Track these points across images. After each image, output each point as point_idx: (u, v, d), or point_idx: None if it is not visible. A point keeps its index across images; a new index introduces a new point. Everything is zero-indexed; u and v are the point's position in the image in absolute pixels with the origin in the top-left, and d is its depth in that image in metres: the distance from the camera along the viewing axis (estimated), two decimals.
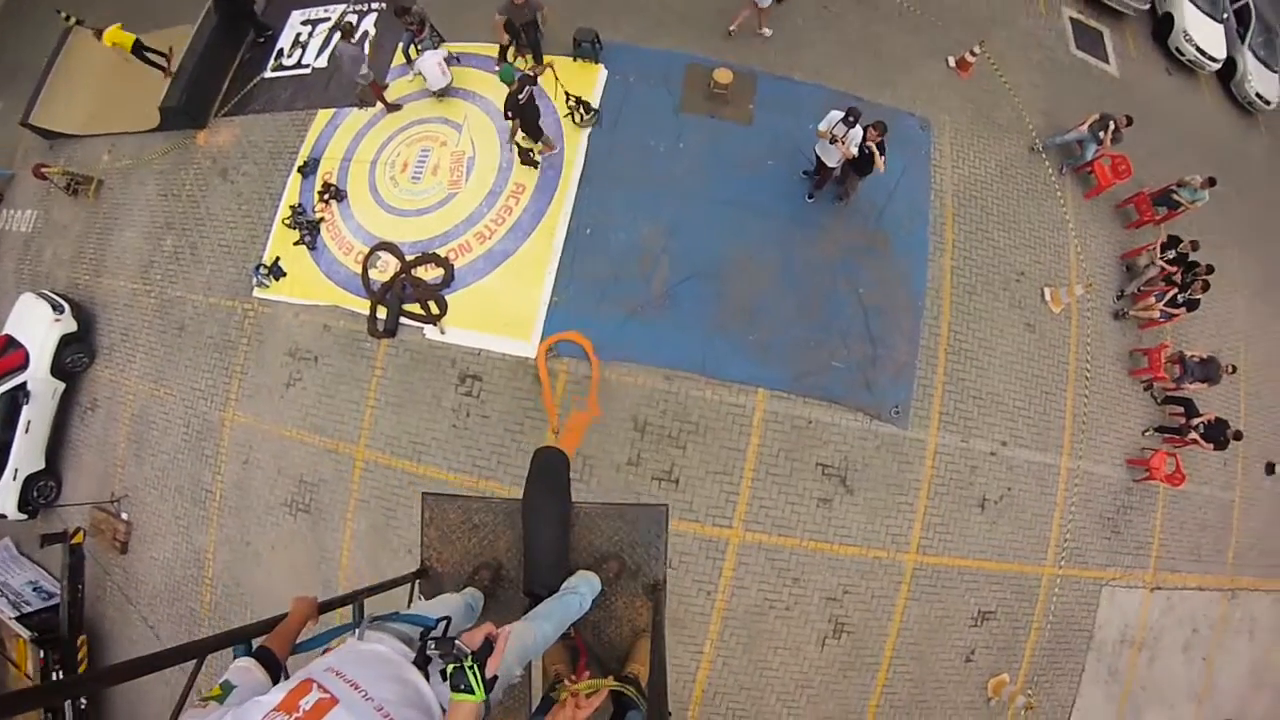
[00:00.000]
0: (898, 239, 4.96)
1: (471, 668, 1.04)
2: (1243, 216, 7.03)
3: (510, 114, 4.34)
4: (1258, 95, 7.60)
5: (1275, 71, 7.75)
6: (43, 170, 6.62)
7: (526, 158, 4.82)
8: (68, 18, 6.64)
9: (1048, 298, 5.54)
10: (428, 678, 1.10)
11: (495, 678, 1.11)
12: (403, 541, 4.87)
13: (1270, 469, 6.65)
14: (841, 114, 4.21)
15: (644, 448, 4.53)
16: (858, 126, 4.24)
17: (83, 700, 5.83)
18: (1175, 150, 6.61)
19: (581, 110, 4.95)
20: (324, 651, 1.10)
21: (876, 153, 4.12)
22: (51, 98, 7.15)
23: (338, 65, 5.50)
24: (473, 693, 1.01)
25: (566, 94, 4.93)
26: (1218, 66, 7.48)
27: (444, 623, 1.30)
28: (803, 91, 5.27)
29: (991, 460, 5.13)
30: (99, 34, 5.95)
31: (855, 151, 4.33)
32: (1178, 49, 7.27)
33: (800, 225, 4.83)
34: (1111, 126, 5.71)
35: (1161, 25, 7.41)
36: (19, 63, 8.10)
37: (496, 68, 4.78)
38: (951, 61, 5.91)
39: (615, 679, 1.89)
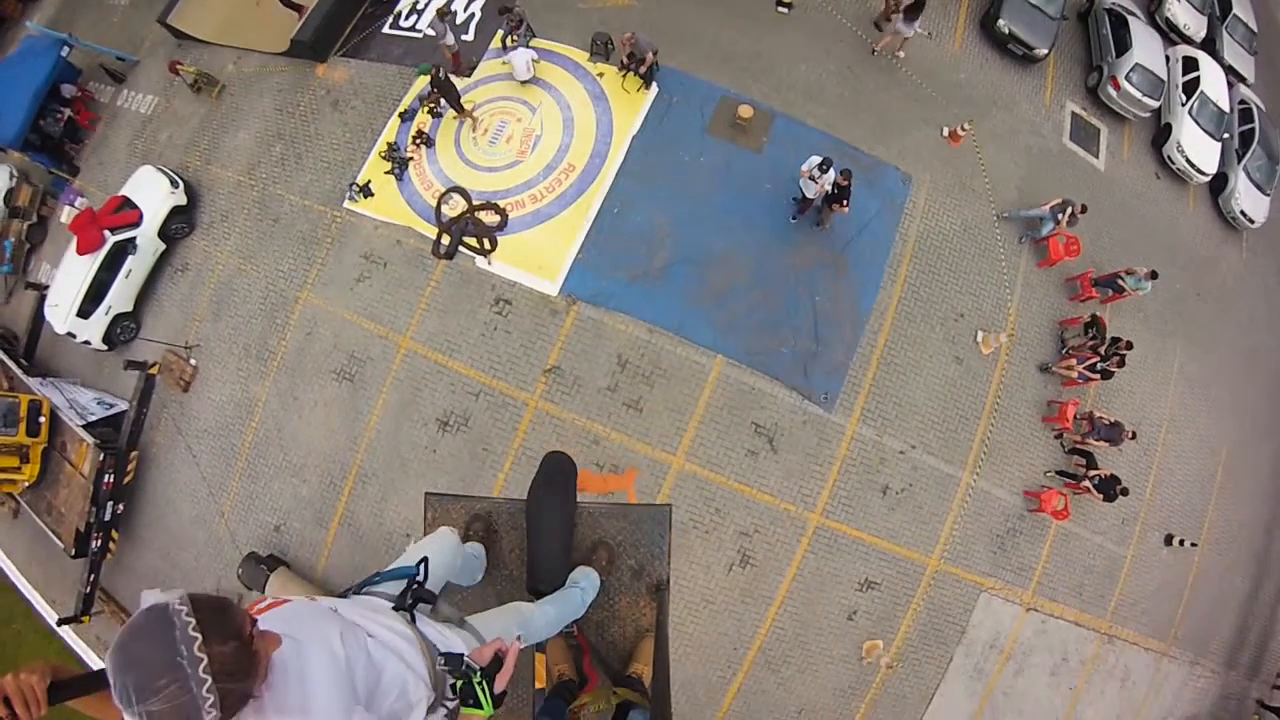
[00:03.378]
0: (857, 265, 7.57)
1: (480, 683, 1.26)
2: (1195, 316, 9.47)
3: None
4: (1242, 213, 10.02)
5: (1267, 195, 10.08)
6: (177, 66, 9.58)
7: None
8: None
9: (979, 340, 8.06)
10: (413, 620, 1.36)
11: (504, 693, 1.35)
12: (421, 417, 7.57)
13: (1169, 540, 8.99)
14: (819, 160, 6.83)
15: (621, 379, 7.18)
16: (831, 171, 6.87)
17: (120, 505, 8.52)
18: (1140, 243, 9.12)
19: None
20: None
21: (845, 190, 6.65)
22: (190, 3, 10.05)
23: (435, 38, 8.29)
24: (481, 708, 1.25)
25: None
26: (1206, 180, 9.95)
27: (423, 564, 1.60)
28: (811, 135, 7.96)
29: (900, 458, 7.62)
30: None
31: (829, 188, 6.91)
32: (1170, 157, 9.78)
33: (780, 239, 7.50)
34: (1069, 210, 8.18)
35: (1161, 133, 9.86)
36: None
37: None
38: (945, 132, 8.55)
39: (617, 681, 2.25)
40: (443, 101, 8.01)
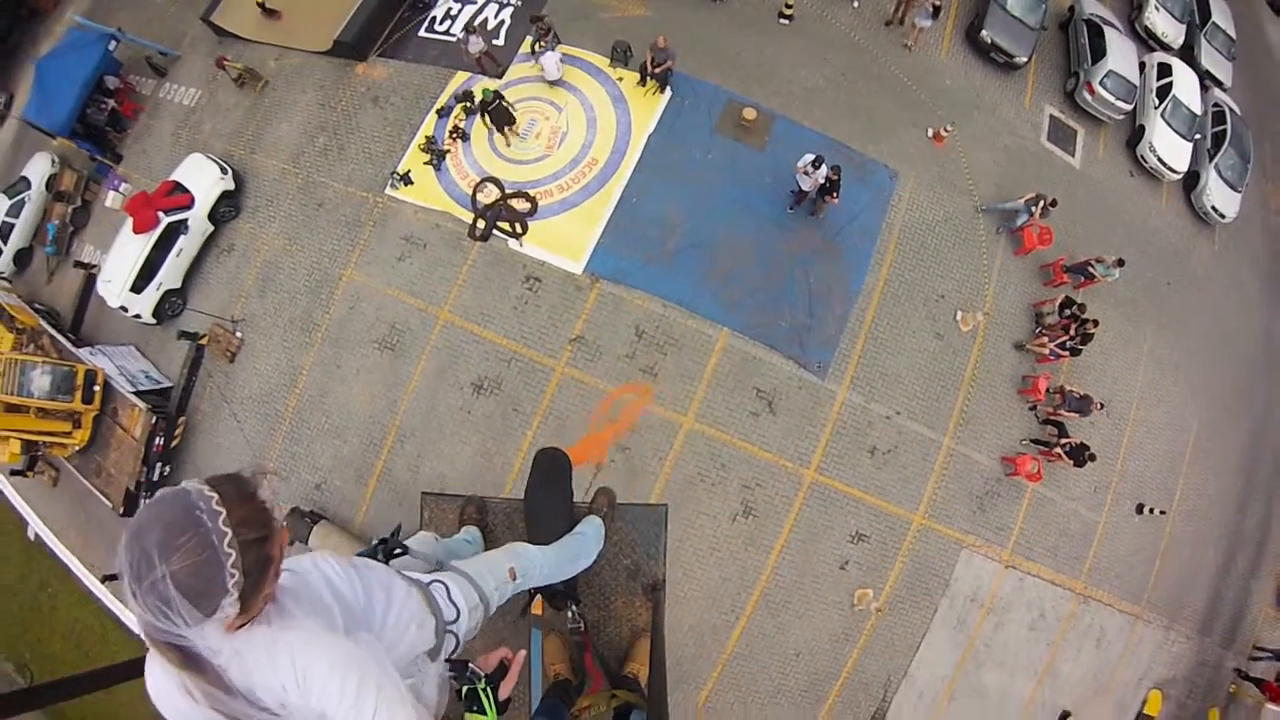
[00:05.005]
0: (848, 250, 9.73)
1: (485, 690, 1.41)
2: (1167, 303, 11.67)
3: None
4: (1214, 208, 12.27)
5: (1239, 191, 12.36)
6: (224, 61, 11.72)
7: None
8: None
9: (959, 319, 10.20)
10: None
11: (509, 700, 1.52)
12: (457, 381, 9.63)
13: (1140, 509, 11.07)
14: (812, 157, 8.99)
15: (639, 347, 9.27)
16: (823, 166, 9.01)
17: (167, 466, 10.51)
18: (1113, 235, 11.32)
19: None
20: None
21: (835, 184, 8.77)
22: (233, 2, 12.22)
23: (462, 47, 10.46)
24: (485, 714, 1.39)
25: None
26: (1177, 178, 12.23)
27: (397, 526, 1.95)
28: (807, 135, 10.15)
29: (886, 422, 9.72)
30: None
31: (821, 181, 9.06)
32: (1143, 157, 12.06)
33: (778, 226, 9.65)
34: (1042, 203, 10.36)
35: (1136, 134, 12.16)
36: None
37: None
38: (930, 132, 10.77)
39: (614, 680, 2.60)
40: (477, 100, 10.18)
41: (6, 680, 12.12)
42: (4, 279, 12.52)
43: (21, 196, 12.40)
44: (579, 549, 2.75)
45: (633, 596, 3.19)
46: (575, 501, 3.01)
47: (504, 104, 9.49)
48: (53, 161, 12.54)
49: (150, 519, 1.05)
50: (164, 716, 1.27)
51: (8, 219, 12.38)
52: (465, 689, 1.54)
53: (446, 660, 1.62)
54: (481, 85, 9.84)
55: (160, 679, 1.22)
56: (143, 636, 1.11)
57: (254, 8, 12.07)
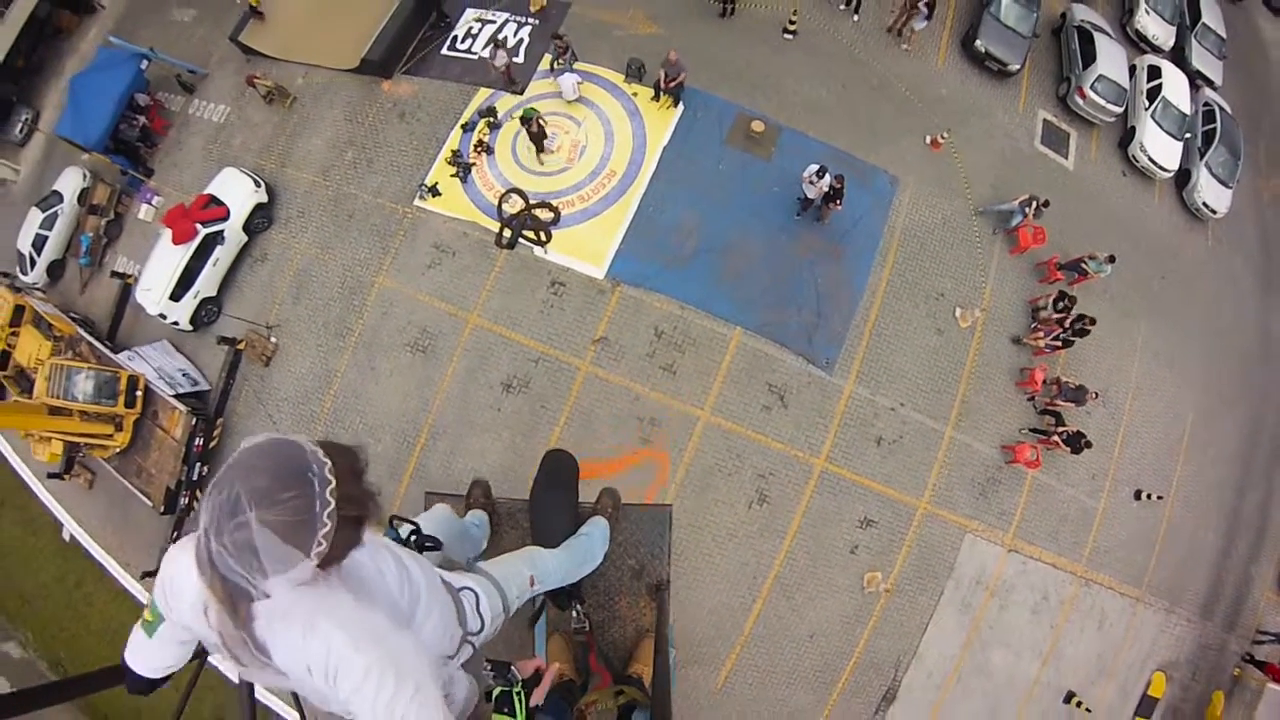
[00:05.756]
0: (852, 252, 11.11)
1: (519, 693, 1.57)
2: (1160, 297, 13.04)
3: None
4: (1205, 204, 13.66)
5: (1229, 188, 13.75)
6: (255, 79, 13.14)
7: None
8: None
9: (958, 315, 11.57)
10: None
11: (538, 707, 1.71)
12: (487, 381, 10.96)
13: (1138, 495, 12.36)
14: (816, 167, 10.39)
15: (658, 347, 10.62)
16: (827, 175, 10.40)
17: (205, 466, 11.82)
18: (1106, 233, 12.70)
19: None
20: None
21: (839, 191, 10.14)
22: (259, 23, 13.66)
23: (489, 59, 11.83)
24: (514, 717, 1.55)
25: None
26: (1168, 176, 13.65)
27: (418, 526, 2.17)
28: (812, 145, 11.57)
29: (890, 413, 11.05)
30: None
31: (825, 189, 10.44)
32: (1134, 156, 13.48)
33: (786, 232, 11.04)
34: (1035, 204, 11.74)
35: (1127, 135, 13.58)
36: None
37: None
38: (928, 139, 12.18)
39: (618, 680, 2.81)
40: (499, 115, 11.62)
41: (41, 678, 13.34)
42: (39, 290, 13.89)
43: (54, 210, 13.79)
44: (586, 552, 2.96)
45: (637, 597, 3.36)
46: (580, 502, 3.22)
47: (541, 123, 10.88)
48: (84, 176, 13.95)
49: (260, 463, 1.13)
50: (166, 602, 1.43)
51: (41, 231, 13.77)
52: (499, 691, 1.73)
53: (488, 660, 1.84)
54: (526, 108, 11.18)
55: (184, 579, 1.31)
56: (196, 560, 1.17)
57: (281, 28, 13.54)
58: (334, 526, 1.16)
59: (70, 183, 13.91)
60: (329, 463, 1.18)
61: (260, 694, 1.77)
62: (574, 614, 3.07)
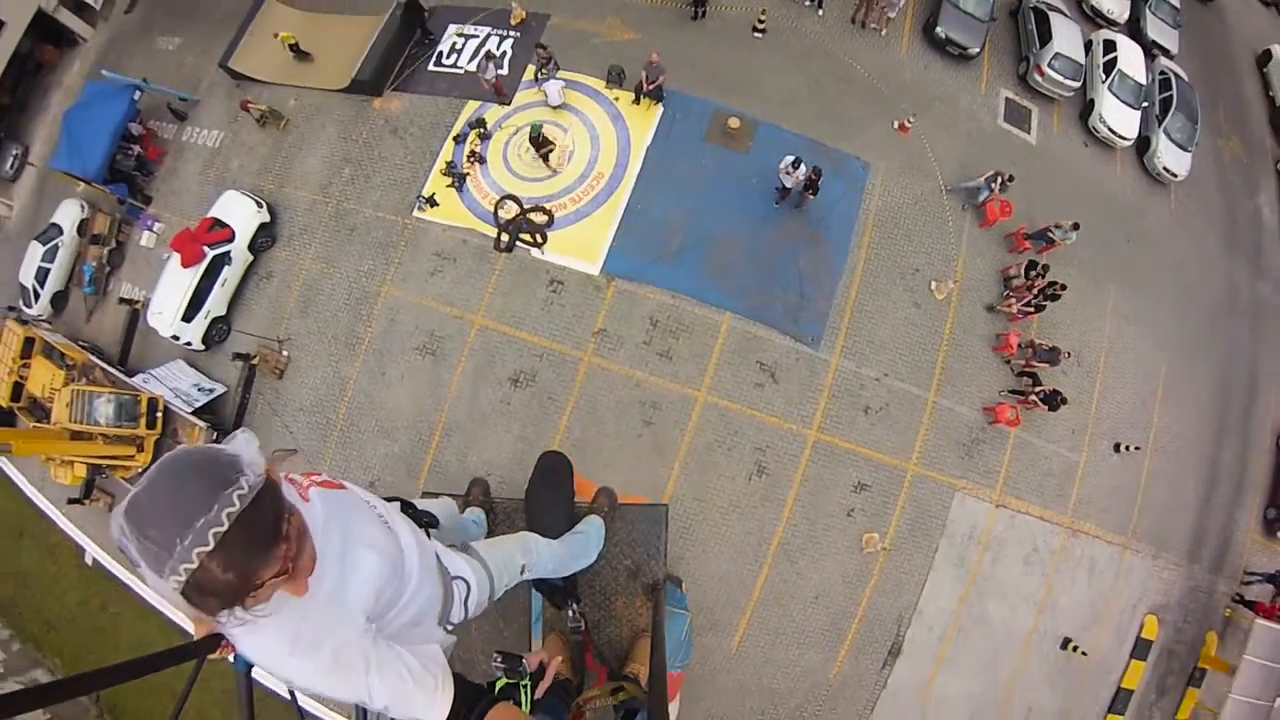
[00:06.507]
0: (830, 236, 12.73)
1: (526, 685, 1.73)
2: (1126, 261, 14.76)
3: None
4: (1165, 169, 15.41)
5: (1188, 151, 15.50)
6: (248, 104, 14.60)
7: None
8: None
9: (933, 288, 13.21)
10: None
11: (539, 700, 1.89)
12: (495, 378, 12.46)
13: (1117, 448, 14.02)
14: (792, 158, 12.00)
15: (654, 335, 12.17)
16: (802, 165, 12.00)
17: None
18: (1072, 202, 14.40)
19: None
20: None
21: (814, 182, 11.75)
22: (248, 49, 15.16)
23: (478, 73, 13.36)
24: (520, 706, 1.70)
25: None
26: (1129, 144, 15.38)
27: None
28: (787, 137, 13.20)
29: (876, 383, 12.66)
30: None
31: (801, 179, 12.05)
32: (1094, 128, 15.22)
33: (767, 220, 12.64)
34: (1000, 179, 13.41)
35: (1087, 108, 15.32)
36: (195, 8, 16.29)
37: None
38: (895, 125, 13.86)
39: (615, 678, 2.97)
40: (489, 125, 13.16)
41: (72, 704, 14.56)
42: (45, 321, 15.23)
43: (55, 242, 15.15)
44: (581, 547, 3.18)
45: (633, 596, 3.54)
46: (576, 501, 3.45)
47: (544, 135, 12.39)
48: (82, 207, 15.33)
49: (167, 487, 1.22)
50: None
51: (43, 264, 15.12)
52: (505, 682, 1.88)
53: (498, 653, 2.02)
54: (533, 125, 12.60)
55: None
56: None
57: (270, 52, 15.01)
58: (189, 579, 1.17)
59: (68, 215, 15.27)
60: (236, 507, 1.22)
61: (258, 676, 2.11)
62: (570, 613, 3.27)
